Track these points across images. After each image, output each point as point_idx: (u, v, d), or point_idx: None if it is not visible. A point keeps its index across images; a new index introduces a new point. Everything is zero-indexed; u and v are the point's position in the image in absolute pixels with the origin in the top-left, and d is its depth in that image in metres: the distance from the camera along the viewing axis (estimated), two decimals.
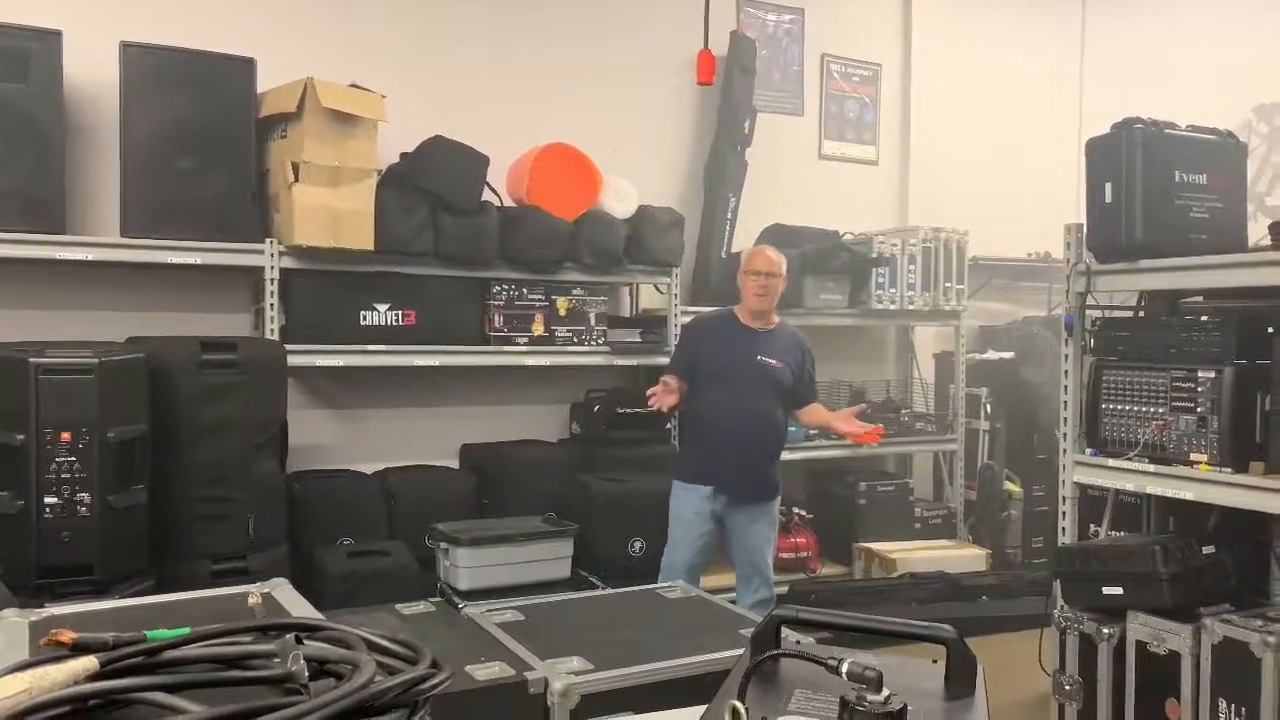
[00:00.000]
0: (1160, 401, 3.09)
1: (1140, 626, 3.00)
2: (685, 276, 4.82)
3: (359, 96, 3.84)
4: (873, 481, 5.11)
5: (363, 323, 4.03)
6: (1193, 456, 2.99)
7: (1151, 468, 3.08)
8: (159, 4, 3.97)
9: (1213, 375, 2.94)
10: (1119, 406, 3.21)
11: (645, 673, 2.17)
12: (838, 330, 5.33)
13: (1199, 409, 2.97)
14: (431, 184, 4.04)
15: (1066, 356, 3.39)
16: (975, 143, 5.80)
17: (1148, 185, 3.06)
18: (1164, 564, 2.92)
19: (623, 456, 4.44)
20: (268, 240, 3.84)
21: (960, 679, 1.28)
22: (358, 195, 3.84)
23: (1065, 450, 3.38)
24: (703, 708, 1.19)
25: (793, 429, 4.38)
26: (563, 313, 4.43)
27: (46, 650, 1.08)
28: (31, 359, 2.93)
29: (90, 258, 3.60)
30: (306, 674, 1.03)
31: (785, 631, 1.38)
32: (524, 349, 4.35)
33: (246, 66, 3.78)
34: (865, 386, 5.43)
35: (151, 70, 3.63)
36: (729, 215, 5.08)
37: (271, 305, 3.86)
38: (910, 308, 5.20)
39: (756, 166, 5.15)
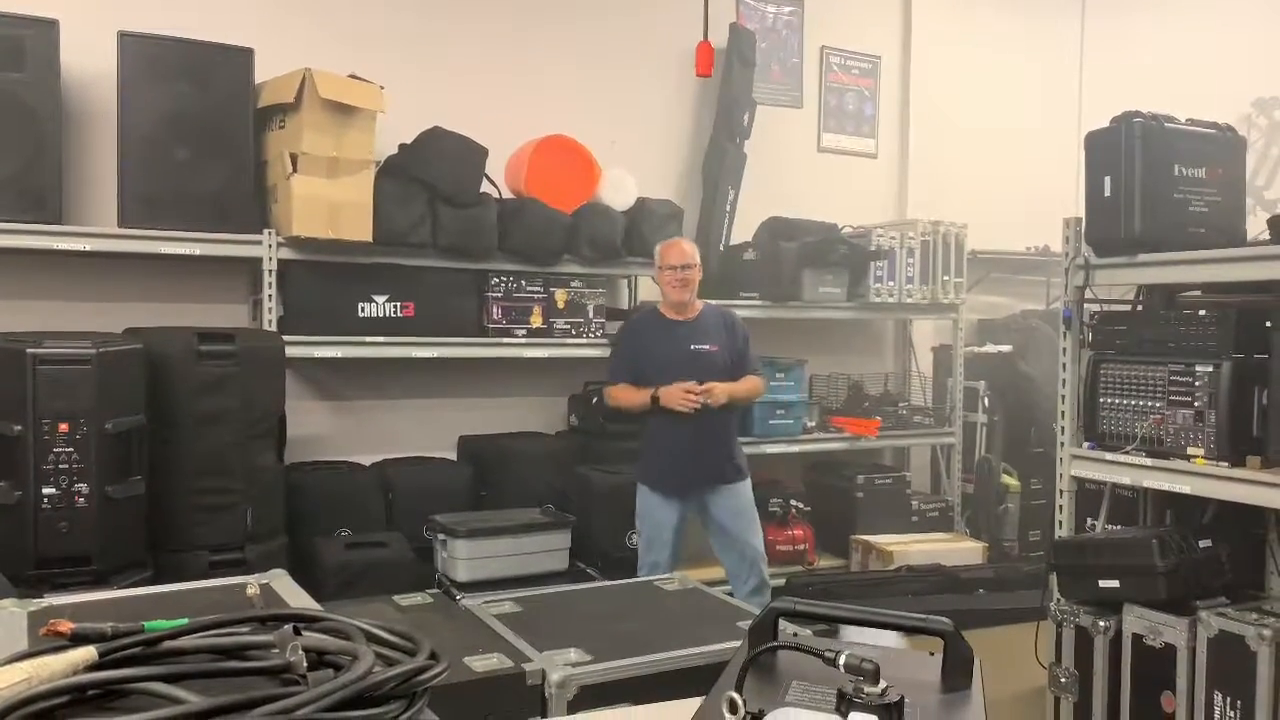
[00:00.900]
0: (1158, 395, 3.09)
1: (1136, 619, 3.01)
2: None
3: (357, 87, 3.83)
4: (870, 474, 5.12)
5: (361, 314, 4.02)
6: (1190, 450, 2.99)
7: (1149, 461, 3.08)
8: None
9: (1210, 369, 2.94)
10: (1117, 400, 3.22)
11: (643, 664, 2.17)
12: (836, 323, 5.33)
13: (1196, 403, 2.98)
14: (430, 175, 4.03)
15: (1064, 350, 3.39)
16: (974, 136, 5.79)
17: (1146, 179, 3.06)
18: (1160, 557, 2.92)
19: (620, 449, 4.44)
20: (266, 231, 3.84)
21: (957, 671, 1.28)
22: (356, 186, 3.84)
23: (1063, 444, 3.38)
24: (700, 699, 1.19)
25: (789, 422, 4.39)
26: (561, 305, 4.43)
27: (45, 640, 1.08)
28: (29, 349, 2.92)
29: (87, 248, 3.59)
30: (305, 664, 1.03)
31: (783, 624, 1.38)
32: (522, 341, 4.35)
33: (245, 57, 3.77)
34: (863, 379, 5.43)
35: (149, 60, 3.62)
36: (728, 208, 5.07)
37: (269, 296, 3.85)
38: (909, 301, 5.20)
39: (755, 159, 5.14)
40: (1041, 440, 5.06)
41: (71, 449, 2.95)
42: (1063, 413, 3.38)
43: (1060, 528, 3.40)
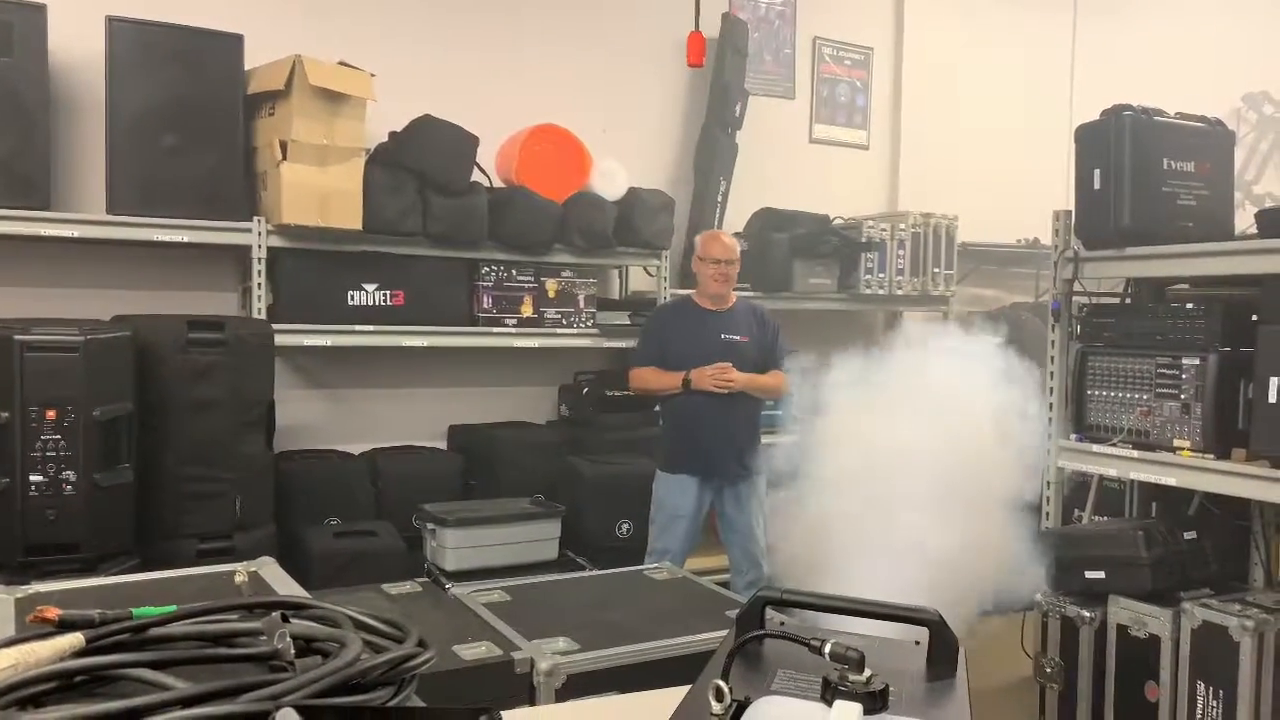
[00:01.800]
0: (1145, 388, 3.11)
1: (1121, 610, 3.04)
2: (675, 259, 4.81)
3: (348, 75, 3.81)
4: None
5: (350, 303, 4.01)
6: (1176, 443, 3.01)
7: (1135, 453, 3.10)
8: None
9: (1197, 362, 2.96)
10: (1104, 392, 3.24)
11: (631, 653, 2.18)
12: (826, 314, 5.33)
13: (1183, 395, 3.00)
14: (420, 164, 4.02)
15: (1052, 342, 3.41)
16: (966, 128, 5.80)
17: (1136, 172, 3.08)
18: (1146, 549, 2.95)
19: (611, 439, 4.45)
20: (255, 219, 3.82)
21: (942, 660, 1.29)
22: (346, 174, 3.82)
23: (1050, 435, 3.40)
24: (688, 688, 1.20)
25: (778, 413, 4.38)
26: (552, 294, 4.43)
27: (32, 627, 1.08)
28: (16, 336, 2.91)
29: (76, 235, 3.57)
30: (292, 651, 1.03)
31: (770, 612, 1.39)
32: (513, 330, 4.35)
33: (234, 43, 3.74)
34: None
35: (138, 45, 3.59)
36: (719, 198, 5.07)
37: (259, 284, 3.84)
38: (899, 293, 5.21)
39: (747, 149, 5.14)
40: None
41: (59, 436, 2.93)
42: (1050, 404, 3.40)
43: (1047, 519, 3.42)
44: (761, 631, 1.28)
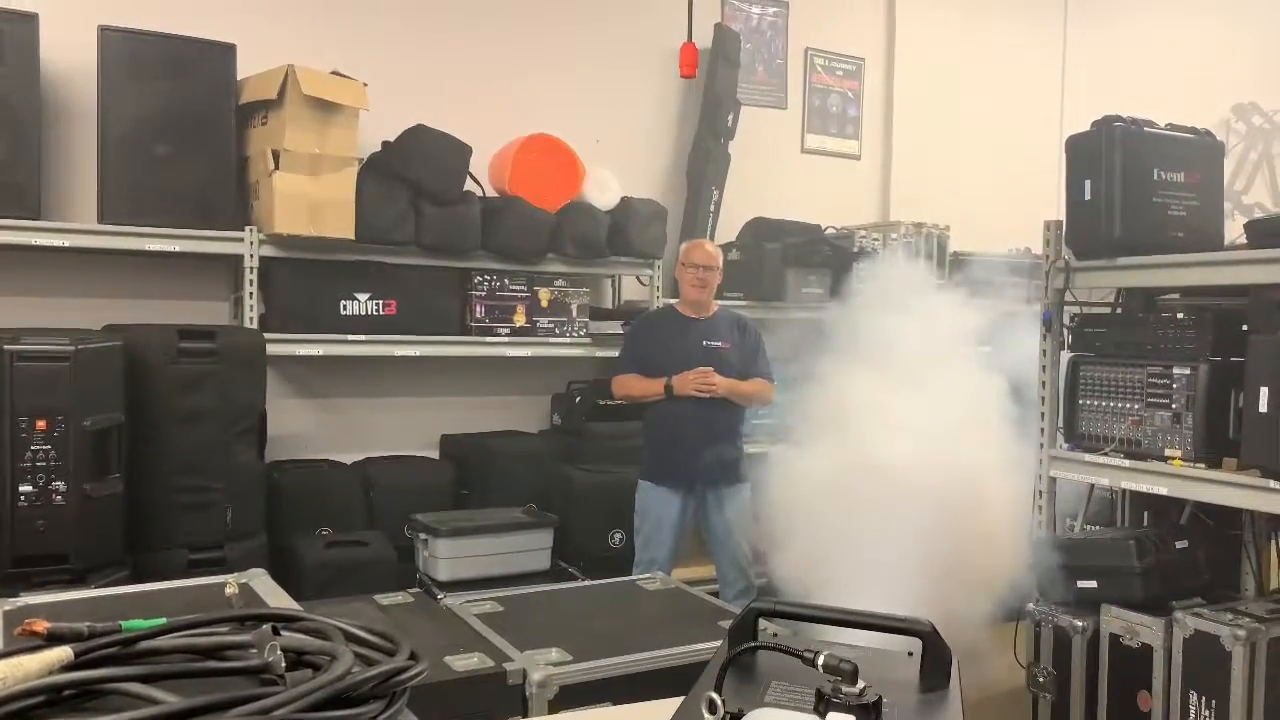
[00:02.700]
0: (1136, 397, 3.12)
1: (1114, 619, 3.04)
2: (668, 268, 4.81)
3: (341, 84, 3.81)
4: None
5: (343, 312, 4.00)
6: (1167, 452, 3.02)
7: (1127, 463, 3.11)
8: None
9: (1188, 372, 2.97)
10: (1096, 402, 3.24)
11: (624, 664, 2.18)
12: (819, 324, 5.33)
13: (1174, 405, 3.01)
14: (413, 173, 4.02)
15: (1044, 352, 3.42)
16: (957, 138, 5.82)
17: (1127, 183, 3.09)
18: (1138, 558, 2.96)
19: (603, 448, 4.44)
20: (247, 228, 3.81)
21: (935, 671, 1.29)
22: (338, 183, 3.82)
23: (1041, 444, 3.40)
24: (680, 699, 1.19)
25: (772, 421, 4.37)
26: (544, 304, 4.43)
27: (21, 640, 1.07)
28: (6, 346, 2.89)
29: (67, 244, 3.56)
30: (283, 665, 1.03)
31: (763, 623, 1.39)
32: (505, 340, 4.35)
33: (227, 52, 3.74)
34: None
35: (130, 55, 3.59)
36: (712, 208, 5.08)
37: (251, 294, 3.83)
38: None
39: (739, 159, 5.15)
40: None
41: (49, 447, 2.92)
42: (1042, 414, 3.41)
43: (1039, 527, 3.42)
44: (754, 643, 1.27)
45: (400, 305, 4.11)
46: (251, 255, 3.81)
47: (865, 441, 3.66)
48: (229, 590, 1.64)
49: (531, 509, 4.01)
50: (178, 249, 3.70)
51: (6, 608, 1.57)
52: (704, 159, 5.07)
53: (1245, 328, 2.96)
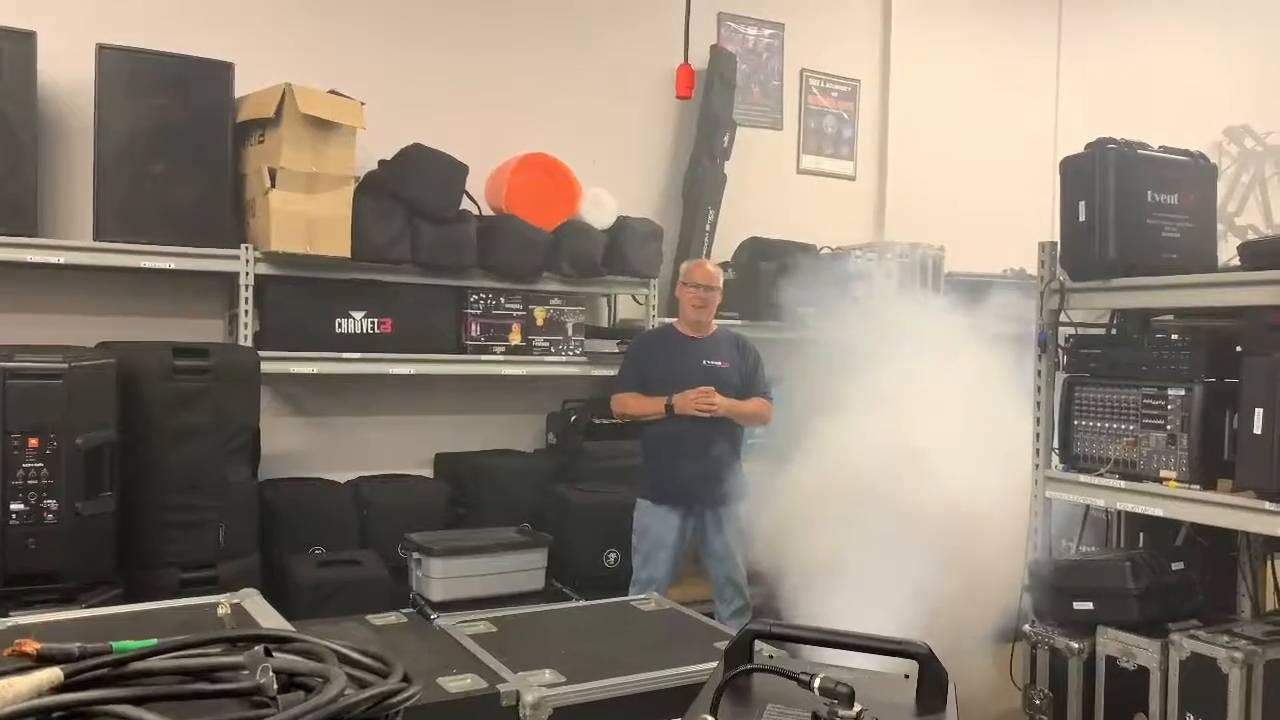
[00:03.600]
0: (1131, 418, 3.12)
1: (1110, 641, 3.03)
2: (663, 287, 4.82)
3: (338, 103, 3.82)
4: None
5: (338, 330, 4.00)
6: (1162, 473, 3.02)
7: (1122, 484, 3.11)
8: (136, 7, 3.93)
9: (1182, 393, 2.98)
10: (1091, 423, 3.24)
11: (618, 685, 2.16)
12: (813, 343, 5.33)
13: (1169, 426, 3.01)
14: (410, 192, 4.03)
15: (1039, 373, 3.42)
16: (952, 159, 5.85)
17: (1120, 205, 3.10)
18: (1133, 580, 2.95)
19: (598, 467, 4.43)
20: (243, 246, 3.81)
21: (932, 694, 1.29)
22: (335, 202, 3.82)
23: (1036, 465, 3.40)
24: None
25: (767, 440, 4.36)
26: (540, 322, 4.43)
27: (10, 661, 1.06)
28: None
29: (62, 261, 3.56)
30: (275, 687, 1.02)
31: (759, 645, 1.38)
32: (501, 358, 4.34)
33: (224, 71, 3.76)
34: None
35: (128, 73, 3.60)
36: (708, 227, 5.09)
37: (246, 311, 3.82)
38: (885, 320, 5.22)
39: (735, 179, 5.17)
40: None
41: (41, 464, 2.90)
42: (1037, 434, 3.41)
43: (1034, 549, 3.41)
44: (750, 666, 1.27)
45: (396, 323, 4.10)
46: (247, 273, 3.81)
47: (860, 461, 3.66)
48: (221, 610, 1.63)
49: (526, 529, 4.00)
50: (173, 266, 3.70)
51: None
52: (700, 178, 5.09)
53: (1239, 349, 2.97)
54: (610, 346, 4.56)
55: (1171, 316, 3.41)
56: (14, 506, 2.88)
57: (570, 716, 2.09)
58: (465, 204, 4.26)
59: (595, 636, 2.53)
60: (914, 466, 3.60)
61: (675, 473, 3.87)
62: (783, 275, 4.80)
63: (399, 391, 4.45)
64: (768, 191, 5.40)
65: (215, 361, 3.41)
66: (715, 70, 5.11)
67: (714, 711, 1.10)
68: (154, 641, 1.11)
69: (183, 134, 3.67)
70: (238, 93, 3.80)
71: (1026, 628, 3.25)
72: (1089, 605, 3.05)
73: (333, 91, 3.88)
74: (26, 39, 3.44)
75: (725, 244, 5.12)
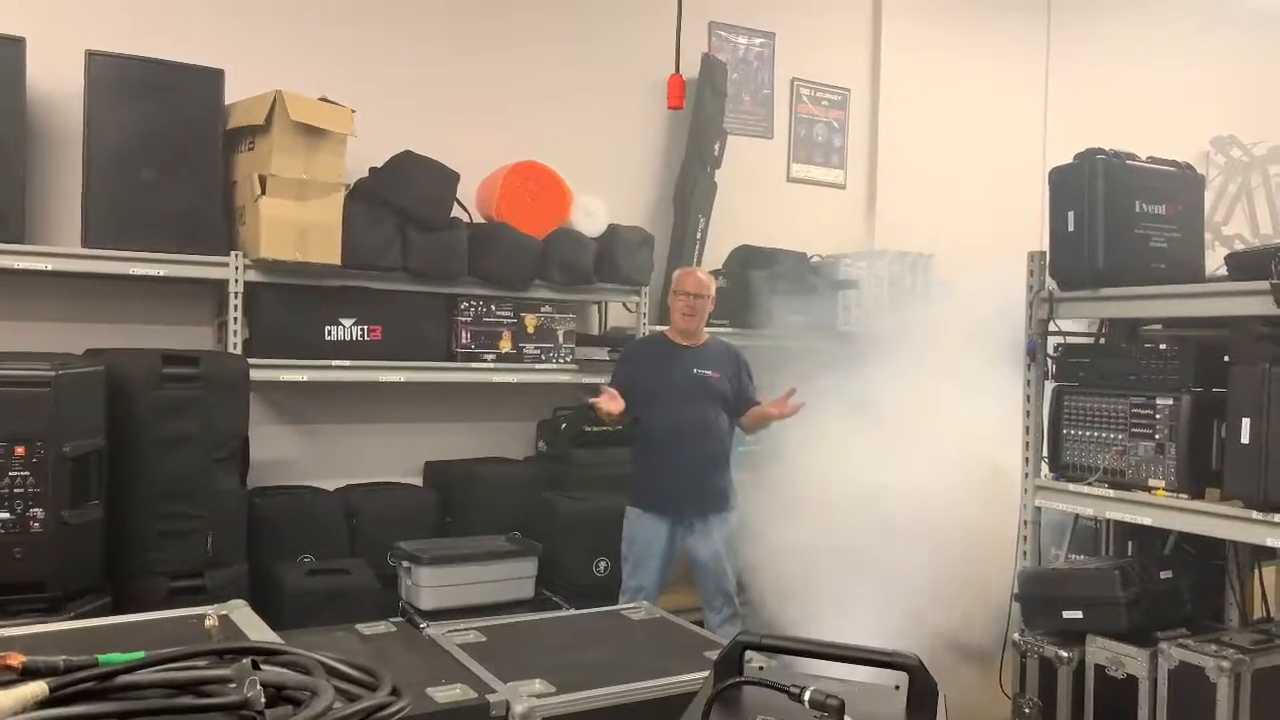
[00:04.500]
0: (1120, 428, 3.13)
1: (1099, 650, 3.03)
2: (654, 295, 4.83)
3: (328, 110, 3.82)
4: None
5: (328, 337, 3.99)
6: (1151, 482, 3.03)
7: (1111, 493, 3.11)
8: (126, 13, 3.92)
9: (1170, 403, 2.99)
10: (1080, 432, 3.25)
11: (608, 695, 2.15)
12: (803, 351, 5.34)
13: (1157, 436, 3.02)
14: (400, 199, 4.02)
15: (1028, 382, 3.43)
16: (942, 168, 5.87)
17: (1109, 215, 3.11)
18: (1122, 589, 2.95)
19: (589, 475, 4.43)
20: (233, 253, 3.80)
21: (922, 705, 1.29)
22: (325, 209, 3.82)
23: (1026, 474, 3.41)
24: None
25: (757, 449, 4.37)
26: (531, 330, 4.43)
27: None
28: None
29: (50, 268, 3.54)
30: (263, 700, 1.01)
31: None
32: (491, 366, 4.34)
33: (214, 78, 3.75)
34: None
35: (117, 79, 3.59)
36: (698, 235, 5.10)
37: (235, 318, 3.81)
38: (871, 329, 5.23)
39: (726, 188, 5.18)
40: None
41: (28, 473, 2.89)
42: (1026, 443, 3.41)
43: (1024, 558, 3.42)
44: (740, 679, 1.27)
45: (386, 331, 4.10)
46: (236, 280, 3.80)
47: (850, 472, 3.67)
48: (209, 622, 1.62)
49: (516, 537, 3.99)
50: (162, 273, 3.68)
51: None
52: (691, 187, 5.10)
53: (1227, 359, 2.99)
54: (601, 354, 4.56)
55: (1160, 326, 3.42)
56: (0, 515, 2.86)
57: None
58: (456, 211, 4.26)
59: (585, 646, 2.52)
60: (905, 475, 3.62)
61: (665, 481, 3.87)
62: (773, 283, 4.82)
63: (389, 399, 4.43)
64: (758, 200, 5.42)
65: (204, 369, 3.40)
66: (706, 79, 5.13)
67: None
68: (141, 654, 1.11)
69: (172, 140, 3.66)
70: (228, 99, 3.79)
71: (1016, 637, 3.25)
72: (1078, 614, 3.05)
73: (323, 99, 3.87)
74: (15, 45, 3.43)
75: (716, 252, 5.12)
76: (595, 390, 4.67)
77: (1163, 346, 3.13)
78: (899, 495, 3.54)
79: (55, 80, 3.67)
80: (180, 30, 3.97)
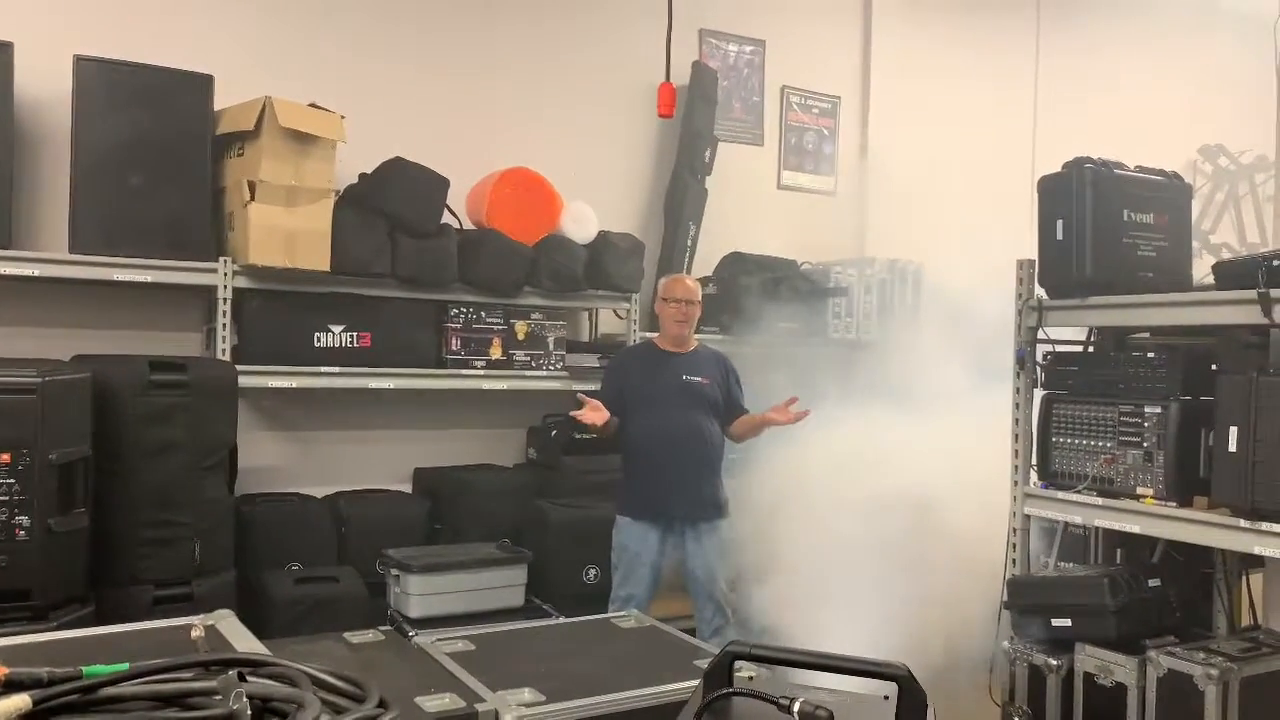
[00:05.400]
0: (1108, 436, 3.14)
1: (1088, 658, 3.04)
2: (645, 302, 4.83)
3: (318, 116, 3.81)
4: None
5: (317, 344, 3.98)
6: (1139, 490, 3.04)
7: (1099, 501, 3.12)
8: (115, 18, 3.92)
9: (1159, 411, 3.00)
10: (1069, 440, 3.26)
11: (598, 705, 2.14)
12: (795, 358, 5.35)
13: (1145, 444, 3.03)
14: (390, 206, 4.01)
15: (1017, 390, 3.44)
16: (931, 176, 5.88)
17: (1097, 224, 3.13)
18: (1111, 597, 2.96)
19: (579, 482, 4.42)
20: (221, 259, 3.79)
21: (911, 715, 1.29)
22: (314, 215, 3.81)
23: (1015, 482, 3.42)
24: None
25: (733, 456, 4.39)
26: (521, 336, 4.42)
27: None
28: None
29: (36, 273, 3.52)
30: (249, 713, 1.00)
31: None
32: (481, 373, 4.33)
33: (204, 83, 3.74)
34: None
35: (106, 85, 3.58)
36: (689, 242, 5.11)
37: (224, 325, 3.80)
38: (866, 338, 5.25)
39: (716, 195, 5.19)
40: None
41: (13, 480, 2.87)
42: (1015, 451, 3.42)
43: (1013, 566, 3.42)
44: (729, 690, 1.26)
45: (375, 338, 4.08)
46: (225, 286, 3.79)
47: (839, 479, 3.67)
48: (195, 633, 1.61)
49: (505, 544, 3.98)
50: (150, 279, 3.67)
51: None
52: (681, 194, 5.10)
53: (1215, 367, 3.00)
54: (591, 361, 4.55)
55: (1148, 334, 3.43)
56: None
57: None
58: (446, 218, 4.25)
59: (575, 654, 2.51)
60: (894, 482, 3.62)
61: (655, 489, 3.86)
62: (763, 290, 4.83)
63: (378, 406, 4.42)
64: (749, 207, 5.42)
65: (192, 376, 3.39)
66: (696, 86, 5.14)
67: None
68: (126, 666, 1.09)
69: (161, 146, 3.64)
70: (217, 105, 3.78)
71: (1005, 645, 3.25)
72: (1067, 622, 3.06)
73: (313, 105, 3.86)
74: (3, 50, 3.42)
75: (706, 259, 5.13)
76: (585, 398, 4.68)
77: (1151, 355, 3.14)
78: (889, 502, 3.54)
79: (43, 85, 3.66)
80: (169, 35, 3.96)
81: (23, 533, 2.88)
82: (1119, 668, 2.95)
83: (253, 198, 3.68)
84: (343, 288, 4.01)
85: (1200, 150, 6.95)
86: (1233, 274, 2.89)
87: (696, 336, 4.14)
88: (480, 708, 2.10)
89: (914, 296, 5.37)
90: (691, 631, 3.58)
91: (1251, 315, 2.72)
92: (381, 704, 1.07)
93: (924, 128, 5.97)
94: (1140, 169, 3.27)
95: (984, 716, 3.35)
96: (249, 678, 1.10)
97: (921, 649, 3.07)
